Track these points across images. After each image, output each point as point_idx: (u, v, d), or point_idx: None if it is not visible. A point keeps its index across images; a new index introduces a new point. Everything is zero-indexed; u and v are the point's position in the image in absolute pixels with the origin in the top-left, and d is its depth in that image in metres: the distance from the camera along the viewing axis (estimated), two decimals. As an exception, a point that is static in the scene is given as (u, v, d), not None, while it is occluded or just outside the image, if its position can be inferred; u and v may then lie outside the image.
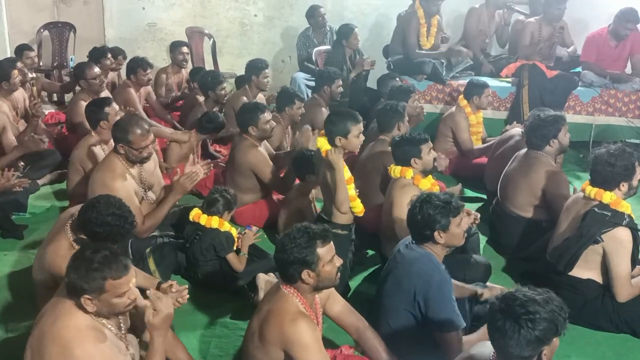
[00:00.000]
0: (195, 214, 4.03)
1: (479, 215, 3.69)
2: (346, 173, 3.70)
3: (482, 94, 5.90)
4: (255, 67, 6.28)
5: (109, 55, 6.57)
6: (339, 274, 2.73)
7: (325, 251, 2.64)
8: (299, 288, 2.67)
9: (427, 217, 2.99)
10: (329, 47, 7.52)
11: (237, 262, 3.92)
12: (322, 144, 3.71)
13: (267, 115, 4.84)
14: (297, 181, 4.78)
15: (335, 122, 3.69)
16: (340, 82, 6.05)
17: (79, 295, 2.36)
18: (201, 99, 6.19)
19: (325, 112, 5.86)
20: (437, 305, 2.93)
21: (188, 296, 3.08)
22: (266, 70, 6.28)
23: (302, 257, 2.59)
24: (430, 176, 3.99)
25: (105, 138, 4.49)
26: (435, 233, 3.00)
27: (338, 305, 3.01)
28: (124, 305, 2.43)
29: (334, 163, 3.58)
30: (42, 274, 3.21)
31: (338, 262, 2.71)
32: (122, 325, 2.58)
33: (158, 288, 3.51)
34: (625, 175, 3.55)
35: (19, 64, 5.91)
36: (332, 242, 2.69)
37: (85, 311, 2.39)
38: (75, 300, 2.39)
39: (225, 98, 6.22)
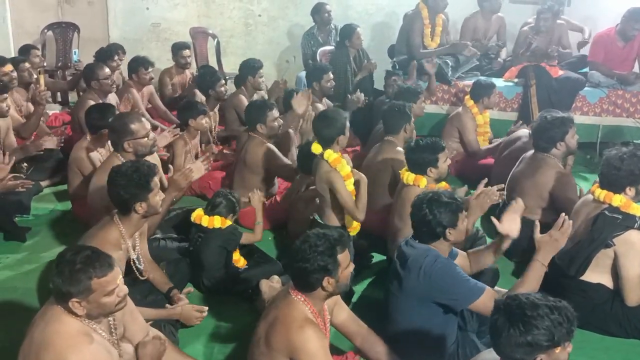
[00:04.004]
0: (197, 216, 3.97)
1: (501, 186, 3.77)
2: (349, 185, 3.71)
3: (492, 94, 5.86)
4: (251, 67, 6.18)
5: (115, 57, 6.54)
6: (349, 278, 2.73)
7: (344, 257, 2.63)
8: (312, 295, 2.64)
9: (438, 216, 2.97)
10: (332, 47, 7.46)
11: (253, 237, 4.04)
12: (317, 149, 3.72)
13: (275, 113, 4.80)
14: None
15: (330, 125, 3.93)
16: (331, 77, 5.89)
17: (67, 300, 2.31)
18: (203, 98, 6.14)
19: (318, 107, 5.77)
20: (451, 290, 2.91)
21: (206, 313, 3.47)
22: (261, 71, 6.21)
23: (324, 265, 2.57)
24: (443, 182, 3.93)
25: (102, 142, 4.47)
26: (447, 231, 3.00)
27: (344, 313, 3.00)
28: (114, 304, 2.38)
29: (334, 182, 3.78)
30: None
31: (351, 267, 2.70)
32: (113, 331, 2.52)
33: (169, 293, 3.50)
34: (630, 180, 3.49)
35: (27, 64, 6.03)
36: (348, 248, 2.68)
37: (75, 315, 2.34)
38: (63, 305, 2.34)
39: (226, 95, 6.15)
